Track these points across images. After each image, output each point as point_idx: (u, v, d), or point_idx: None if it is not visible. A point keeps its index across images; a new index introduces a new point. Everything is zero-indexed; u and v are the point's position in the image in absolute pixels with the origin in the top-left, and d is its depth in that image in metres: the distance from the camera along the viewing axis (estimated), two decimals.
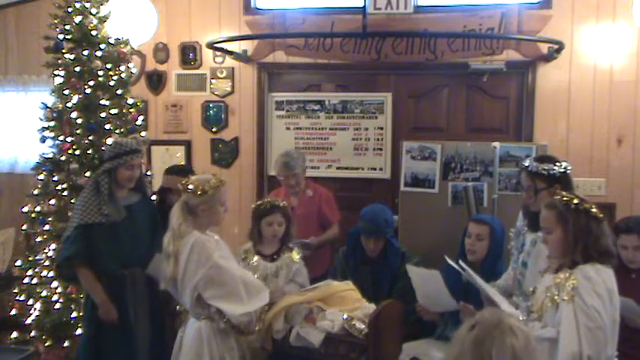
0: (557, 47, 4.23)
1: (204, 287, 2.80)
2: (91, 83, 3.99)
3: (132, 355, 3.29)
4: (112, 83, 4.03)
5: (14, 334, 4.12)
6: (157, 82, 5.04)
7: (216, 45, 4.40)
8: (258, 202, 3.50)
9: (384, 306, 3.04)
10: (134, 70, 4.41)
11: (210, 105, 4.98)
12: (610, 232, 2.39)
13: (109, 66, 4.05)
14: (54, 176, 3.98)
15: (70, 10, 4.01)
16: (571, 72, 4.43)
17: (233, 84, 4.93)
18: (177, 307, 3.43)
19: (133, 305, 3.29)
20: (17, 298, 4.02)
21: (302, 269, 3.43)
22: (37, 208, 4.00)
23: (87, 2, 4.04)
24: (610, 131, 4.40)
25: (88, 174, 3.85)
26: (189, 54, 4.96)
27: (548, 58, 4.41)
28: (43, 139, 4.01)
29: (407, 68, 4.70)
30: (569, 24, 4.39)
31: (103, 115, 3.99)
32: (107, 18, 4.09)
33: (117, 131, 4.00)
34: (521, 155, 3.91)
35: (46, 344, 3.91)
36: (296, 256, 3.41)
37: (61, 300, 3.89)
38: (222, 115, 4.96)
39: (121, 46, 4.13)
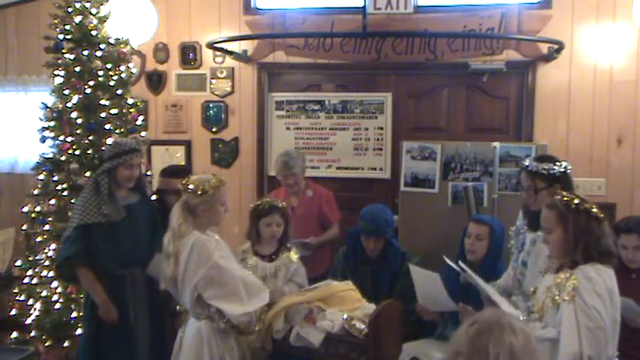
0: (557, 47, 4.23)
1: (204, 287, 2.79)
2: (91, 83, 3.99)
3: (132, 355, 3.28)
4: (112, 83, 4.03)
5: (14, 334, 4.11)
6: (157, 82, 5.04)
7: (216, 45, 4.40)
8: (257, 203, 3.49)
9: (384, 306, 3.04)
10: (134, 70, 4.40)
11: (210, 105, 4.98)
12: (610, 232, 2.39)
13: (109, 66, 4.05)
14: (54, 176, 3.98)
15: (70, 10, 4.01)
16: (571, 72, 4.43)
17: (233, 84, 4.93)
18: (177, 307, 3.43)
19: (133, 305, 3.29)
20: (17, 298, 4.02)
21: (300, 269, 3.42)
22: (37, 208, 4.00)
23: (87, 2, 4.04)
24: (610, 131, 4.40)
25: (88, 174, 3.85)
26: (189, 54, 4.96)
27: (548, 58, 4.42)
28: (43, 139, 4.01)
29: (407, 68, 4.71)
30: (569, 24, 4.39)
31: (103, 115, 3.98)
32: (107, 18, 4.09)
33: (117, 131, 4.00)
34: (521, 155, 3.92)
35: (46, 344, 3.91)
36: (294, 256, 3.41)
37: (61, 300, 3.89)
38: (222, 115, 4.96)
39: (121, 46, 4.13)
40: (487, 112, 4.68)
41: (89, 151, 3.92)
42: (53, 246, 3.91)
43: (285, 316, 3.07)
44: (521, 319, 2.40)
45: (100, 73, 4.01)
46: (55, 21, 4.03)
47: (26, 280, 4.00)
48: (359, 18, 3.84)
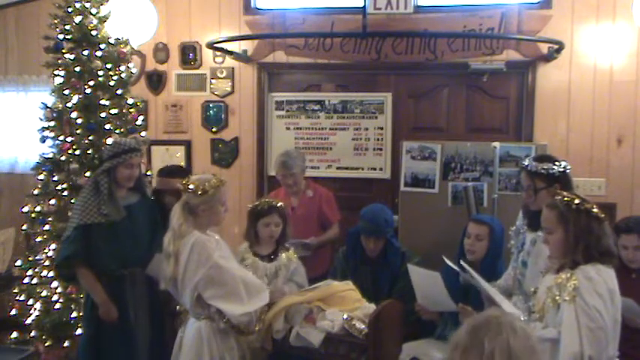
0: (557, 47, 4.23)
1: (204, 287, 2.79)
2: (91, 83, 3.99)
3: (132, 355, 3.28)
4: (112, 83, 4.03)
5: (14, 334, 4.12)
6: (157, 82, 5.04)
7: (216, 45, 4.40)
8: (255, 203, 3.48)
9: (384, 306, 3.04)
10: (134, 70, 4.40)
11: (210, 105, 4.98)
12: (611, 232, 2.39)
13: (109, 66, 4.05)
14: (54, 176, 3.98)
15: (70, 10, 4.01)
16: (571, 72, 4.43)
17: (233, 84, 4.93)
18: (177, 307, 3.42)
19: (133, 305, 3.29)
20: (17, 298, 4.02)
21: (300, 269, 3.43)
22: (37, 208, 4.01)
23: (87, 2, 4.04)
24: (610, 131, 4.40)
25: (88, 174, 3.85)
26: (189, 54, 4.96)
27: (548, 58, 4.41)
28: (43, 139, 4.01)
29: (407, 68, 4.71)
30: (569, 24, 4.39)
31: (103, 115, 3.99)
32: (107, 18, 4.09)
33: (117, 131, 4.00)
34: (521, 155, 3.91)
35: (46, 344, 3.91)
36: (293, 255, 3.41)
37: (61, 300, 3.90)
38: (222, 115, 4.96)
39: (121, 46, 4.13)
40: (487, 112, 4.68)
41: (89, 151, 3.92)
42: (53, 246, 3.91)
43: (285, 316, 3.07)
44: (522, 319, 2.40)
45: (100, 73, 4.01)
46: (55, 21, 4.04)
47: (26, 280, 4.01)
48: (359, 18, 3.84)
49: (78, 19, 4.00)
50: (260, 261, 3.33)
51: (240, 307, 2.81)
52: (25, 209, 4.03)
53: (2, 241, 4.60)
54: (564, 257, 2.34)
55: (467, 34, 4.51)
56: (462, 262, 2.98)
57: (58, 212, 3.97)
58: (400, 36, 4.53)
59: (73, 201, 3.76)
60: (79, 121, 3.95)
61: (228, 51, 4.66)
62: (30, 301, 3.98)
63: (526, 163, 2.94)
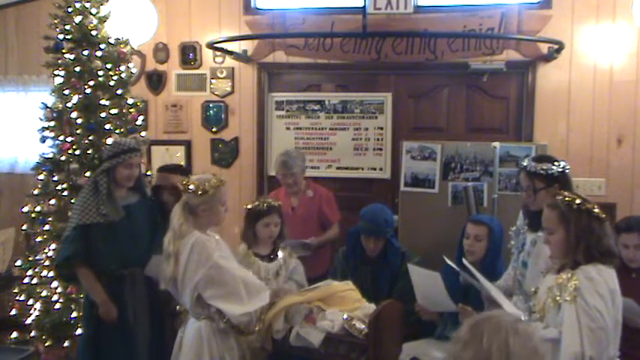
0: (557, 47, 4.23)
1: (204, 287, 2.79)
2: (91, 83, 3.99)
3: (131, 355, 3.28)
4: (112, 83, 4.03)
5: (14, 334, 4.12)
6: (157, 82, 5.04)
7: (216, 45, 4.40)
8: (254, 204, 3.46)
9: (384, 306, 3.03)
10: (134, 70, 4.40)
11: (210, 105, 4.98)
12: (612, 233, 2.39)
13: (109, 66, 4.05)
14: (54, 176, 3.98)
15: (70, 10, 4.02)
16: (571, 72, 4.43)
17: (233, 84, 4.93)
18: (177, 307, 3.42)
19: (132, 305, 3.29)
20: (17, 298, 4.02)
21: (299, 267, 3.44)
22: (37, 208, 4.01)
23: (87, 2, 4.04)
24: (610, 131, 4.40)
25: (88, 174, 3.85)
26: (189, 54, 4.96)
27: (548, 58, 4.41)
28: (43, 139, 4.01)
29: (407, 68, 4.70)
30: (569, 24, 4.39)
31: (103, 115, 3.99)
32: (107, 18, 4.09)
33: (117, 131, 4.00)
34: (521, 155, 3.91)
35: (46, 344, 3.91)
36: (291, 254, 3.43)
37: (61, 300, 3.90)
38: (222, 115, 4.96)
39: (121, 46, 4.13)
40: (487, 112, 4.67)
41: (89, 151, 3.93)
42: (53, 246, 3.91)
43: (285, 316, 3.07)
44: (522, 319, 2.40)
45: (100, 73, 4.01)
46: (55, 21, 4.04)
47: (26, 280, 4.01)
48: (359, 18, 3.84)
49: (78, 19, 4.00)
50: (262, 262, 3.33)
51: (240, 307, 2.81)
52: (25, 209, 4.03)
53: (2, 241, 4.60)
54: (565, 257, 2.34)
55: (467, 34, 4.51)
56: (463, 261, 2.98)
57: (58, 212, 3.97)
58: (400, 36, 4.53)
59: (73, 201, 3.76)
60: (79, 121, 3.95)
61: (228, 51, 4.66)
62: (30, 301, 3.99)
63: (525, 164, 2.93)
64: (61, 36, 4.01)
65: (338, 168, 4.89)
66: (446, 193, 4.15)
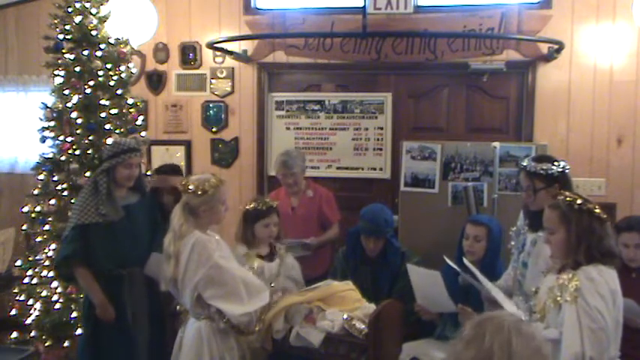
0: (557, 47, 4.22)
1: (205, 287, 2.79)
2: (91, 83, 3.99)
3: (131, 355, 3.28)
4: (112, 83, 4.03)
5: (14, 334, 4.12)
6: (157, 82, 5.04)
7: (216, 45, 4.40)
8: (252, 205, 3.45)
9: (384, 306, 3.04)
10: (134, 70, 4.40)
11: (210, 105, 4.98)
12: (613, 233, 2.39)
13: (109, 66, 4.05)
14: (54, 176, 3.98)
15: (70, 10, 4.01)
16: (571, 72, 4.43)
17: (233, 84, 4.93)
18: (178, 307, 3.43)
19: (131, 305, 3.28)
20: (17, 298, 4.02)
21: (295, 264, 3.47)
22: (37, 208, 4.00)
23: (87, 2, 4.04)
24: (610, 131, 4.40)
25: (88, 174, 3.85)
26: (189, 54, 4.96)
27: (548, 58, 4.41)
28: (43, 139, 4.01)
29: (407, 68, 4.70)
30: (569, 24, 4.39)
31: (103, 115, 3.98)
32: (107, 18, 4.09)
33: (117, 131, 4.00)
34: (521, 155, 3.91)
35: (46, 344, 3.91)
36: (286, 252, 3.46)
37: (61, 300, 3.90)
38: (222, 115, 4.96)
39: (121, 46, 4.13)
40: (487, 112, 4.67)
41: (89, 151, 3.92)
42: (53, 246, 3.91)
43: (285, 316, 3.07)
44: (523, 319, 2.40)
45: (100, 73, 4.01)
46: (55, 21, 4.03)
47: (26, 280, 4.01)
48: (359, 18, 3.84)
49: (78, 19, 4.00)
50: (264, 262, 3.34)
51: (240, 307, 2.81)
52: (25, 209, 4.03)
53: (2, 241, 4.60)
54: (566, 257, 2.34)
55: (467, 34, 4.50)
56: (464, 260, 2.97)
57: (58, 212, 3.97)
58: (400, 36, 4.52)
59: (73, 201, 3.76)
60: (79, 121, 3.95)
61: (228, 51, 4.66)
62: (30, 301, 3.98)
63: (525, 164, 2.93)
64: (61, 36, 4.00)
65: (338, 168, 4.89)
66: (446, 193, 4.15)
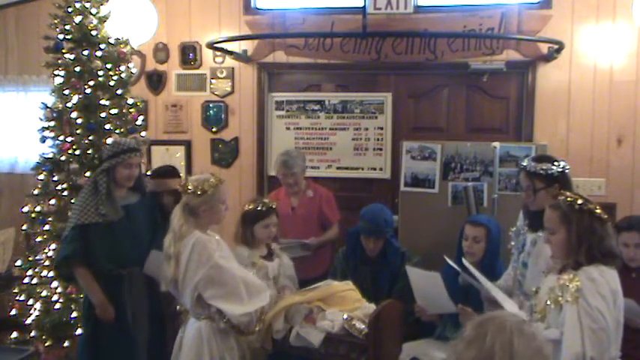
0: (557, 47, 4.22)
1: (205, 287, 2.79)
2: (91, 83, 3.99)
3: (131, 355, 3.28)
4: (112, 83, 4.03)
5: (14, 334, 4.12)
6: (157, 82, 5.04)
7: (216, 45, 4.40)
8: (252, 206, 3.44)
9: (384, 306, 3.04)
10: (134, 70, 4.40)
11: (210, 105, 4.98)
12: (614, 233, 2.39)
13: (109, 66, 4.05)
14: (54, 176, 3.98)
15: (70, 10, 4.01)
16: (571, 72, 4.43)
17: (233, 84, 4.93)
18: (178, 307, 3.43)
19: (131, 305, 3.28)
20: (17, 298, 4.02)
21: (289, 262, 3.49)
22: (37, 208, 4.00)
23: (87, 2, 4.04)
24: (610, 131, 4.40)
25: (88, 174, 3.85)
26: (189, 54, 4.96)
27: (548, 58, 4.41)
28: (43, 139, 4.01)
29: (407, 68, 4.70)
30: (569, 24, 4.39)
31: (103, 115, 3.98)
32: (107, 18, 4.09)
33: (117, 131, 4.00)
34: (521, 155, 3.91)
35: (46, 344, 3.91)
36: (281, 251, 3.49)
37: (61, 300, 3.90)
38: (222, 115, 4.96)
39: (121, 46, 4.13)
40: (487, 112, 4.67)
41: (89, 151, 3.92)
42: (53, 246, 3.91)
43: (285, 316, 3.07)
44: (525, 319, 2.40)
45: (100, 73, 4.01)
46: (55, 21, 4.03)
47: (26, 280, 4.01)
48: (359, 18, 3.84)
49: (78, 19, 4.00)
50: (268, 262, 3.35)
51: (241, 307, 2.81)
52: (25, 209, 4.03)
53: (2, 241, 4.60)
54: (567, 258, 2.34)
55: (467, 34, 4.50)
56: (464, 261, 2.97)
57: (58, 212, 3.97)
58: (400, 36, 4.52)
59: (73, 201, 3.76)
60: (79, 121, 3.95)
61: (228, 51, 4.66)
62: (30, 301, 3.98)
63: (525, 164, 2.93)
64: (61, 36, 4.00)
65: (338, 168, 4.89)
66: (446, 193, 4.15)
